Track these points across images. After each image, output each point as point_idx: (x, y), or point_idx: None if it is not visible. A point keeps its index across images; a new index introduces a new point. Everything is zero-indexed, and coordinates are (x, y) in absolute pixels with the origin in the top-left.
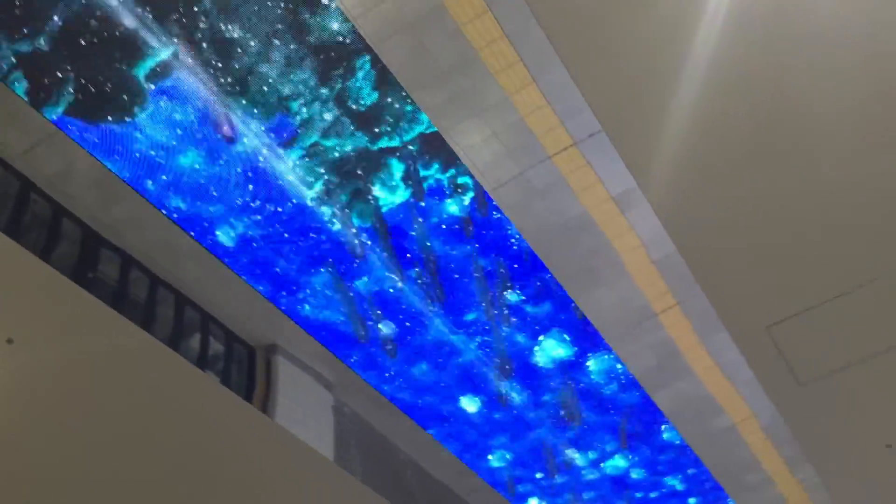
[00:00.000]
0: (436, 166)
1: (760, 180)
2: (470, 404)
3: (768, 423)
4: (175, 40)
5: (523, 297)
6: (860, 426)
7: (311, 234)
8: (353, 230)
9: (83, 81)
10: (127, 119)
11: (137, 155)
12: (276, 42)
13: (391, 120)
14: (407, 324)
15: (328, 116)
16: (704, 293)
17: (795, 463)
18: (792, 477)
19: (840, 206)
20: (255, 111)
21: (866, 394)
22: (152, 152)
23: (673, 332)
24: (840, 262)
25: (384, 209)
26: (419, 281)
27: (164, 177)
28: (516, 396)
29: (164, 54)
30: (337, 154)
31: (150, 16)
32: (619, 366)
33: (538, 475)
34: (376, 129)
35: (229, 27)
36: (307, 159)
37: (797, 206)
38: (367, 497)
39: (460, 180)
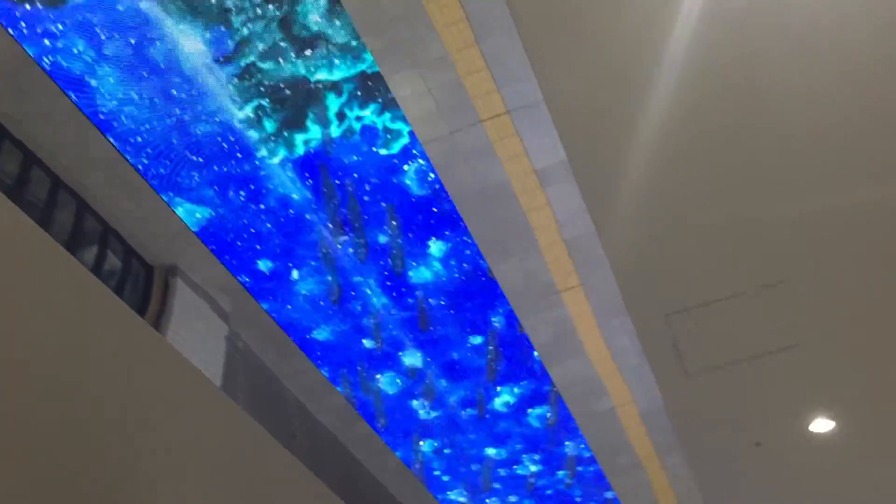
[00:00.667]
0: (373, 107)
1: (684, 176)
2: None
3: (645, 410)
4: None
5: (445, 246)
6: (734, 422)
7: (233, 157)
8: (279, 159)
9: None
10: (58, 5)
11: (61, 45)
12: None
13: (334, 53)
14: (312, 263)
15: (270, 39)
16: (614, 274)
17: (664, 451)
18: (659, 464)
19: (757, 208)
20: (194, 19)
21: (745, 392)
22: (79, 47)
23: (573, 311)
24: (749, 263)
25: (313, 143)
26: (336, 220)
27: (90, 80)
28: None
29: None
30: (273, 79)
31: None
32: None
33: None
34: (317, 60)
35: None
36: (241, 79)
37: (716, 204)
38: (251, 427)
39: (395, 126)
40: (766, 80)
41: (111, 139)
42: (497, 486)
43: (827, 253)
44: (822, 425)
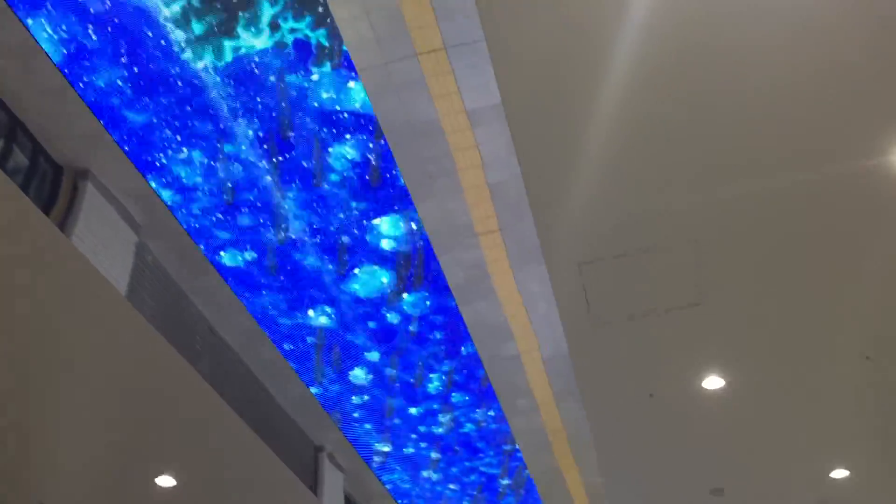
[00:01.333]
0: (308, 20)
1: (617, 133)
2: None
3: (549, 356)
4: None
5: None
6: (631, 373)
7: (156, 57)
8: (203, 64)
9: None
10: None
11: None
12: None
13: None
14: (231, 180)
15: None
16: (534, 221)
17: (561, 397)
18: (556, 409)
19: (677, 167)
20: None
21: (645, 345)
22: None
23: (488, 255)
24: (665, 220)
25: (242, 51)
26: (258, 134)
27: None
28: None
29: None
30: None
31: None
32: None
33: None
34: None
35: None
36: None
37: (643, 161)
38: (154, 339)
39: (327, 43)
40: (724, 40)
41: (28, 27)
42: (397, 421)
43: (737, 218)
44: (713, 382)
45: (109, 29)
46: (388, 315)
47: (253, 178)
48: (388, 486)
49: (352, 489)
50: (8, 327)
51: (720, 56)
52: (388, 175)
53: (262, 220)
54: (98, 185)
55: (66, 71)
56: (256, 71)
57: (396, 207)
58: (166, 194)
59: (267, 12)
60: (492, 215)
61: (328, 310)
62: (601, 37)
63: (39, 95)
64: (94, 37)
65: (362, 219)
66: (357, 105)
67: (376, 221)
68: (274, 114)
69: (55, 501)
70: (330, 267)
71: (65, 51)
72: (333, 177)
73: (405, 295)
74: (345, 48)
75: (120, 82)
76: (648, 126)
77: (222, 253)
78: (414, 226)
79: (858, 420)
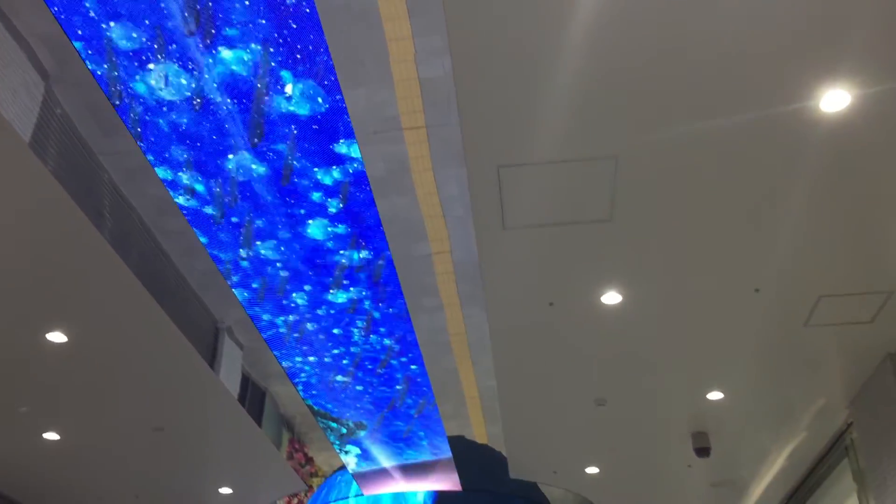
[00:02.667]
0: None
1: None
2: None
3: (459, 260)
4: None
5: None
6: (534, 281)
7: None
8: None
9: None
10: None
11: None
12: None
13: None
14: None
15: None
16: (460, 116)
17: (466, 300)
18: (460, 312)
19: (610, 89)
20: None
21: (551, 254)
22: None
23: (411, 151)
24: (588, 132)
25: None
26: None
27: None
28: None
29: None
30: None
31: None
32: None
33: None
34: None
35: None
36: None
37: (577, 72)
38: (56, 191)
39: None
40: None
41: None
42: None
43: (659, 148)
44: (611, 298)
45: None
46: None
47: (174, 36)
48: (285, 366)
49: (250, 368)
50: None
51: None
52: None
53: (181, 82)
54: (6, 23)
55: None
56: None
57: (326, 83)
58: (79, 45)
59: None
60: (419, 111)
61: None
62: None
63: None
64: None
65: (278, 82)
66: None
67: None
68: None
69: None
70: (244, 136)
71: None
72: (255, 46)
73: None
74: None
75: None
76: (588, 45)
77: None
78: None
79: (739, 348)
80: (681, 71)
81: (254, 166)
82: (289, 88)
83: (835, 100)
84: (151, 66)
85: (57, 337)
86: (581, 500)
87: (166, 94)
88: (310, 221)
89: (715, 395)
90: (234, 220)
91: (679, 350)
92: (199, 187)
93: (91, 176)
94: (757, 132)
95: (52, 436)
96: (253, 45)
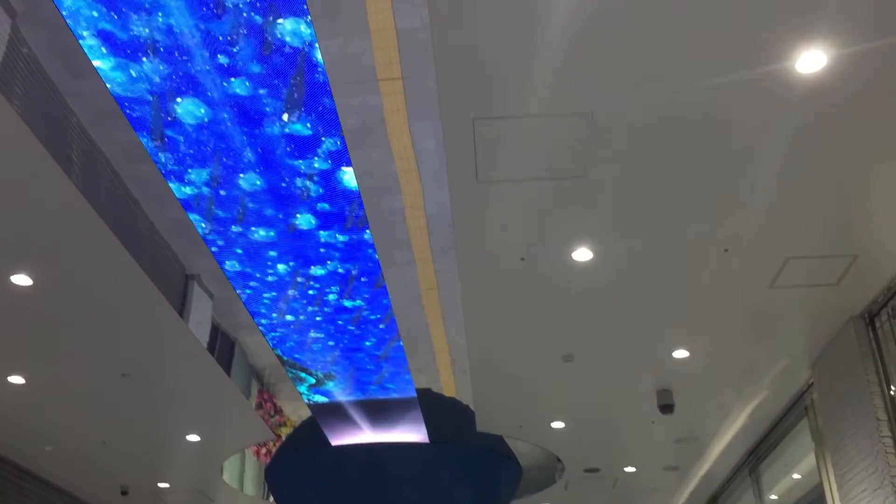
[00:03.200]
0: None
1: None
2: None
3: (432, 214)
4: None
5: None
6: (506, 235)
7: None
8: None
9: None
10: None
11: None
12: None
13: None
14: None
15: None
16: (436, 65)
17: (438, 255)
18: (432, 267)
19: (588, 46)
20: None
21: (524, 209)
22: None
23: (387, 103)
24: (566, 87)
25: None
26: None
27: None
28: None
29: None
30: None
31: None
32: None
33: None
34: None
35: None
36: None
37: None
38: (23, 133)
39: None
40: None
41: None
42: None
43: (635, 108)
44: (582, 254)
45: None
46: (272, 130)
47: None
48: (256, 318)
49: (220, 318)
50: None
51: None
52: None
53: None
54: None
55: None
56: None
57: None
58: None
59: None
60: (396, 62)
61: (206, 118)
62: None
63: None
64: None
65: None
66: None
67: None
68: None
69: None
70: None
71: None
72: None
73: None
74: None
75: None
76: (567, 1)
77: (104, 57)
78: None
79: (706, 307)
80: (658, 31)
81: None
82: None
83: (811, 61)
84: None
85: (21, 280)
86: (546, 454)
87: (136, 29)
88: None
89: (681, 354)
90: (205, 169)
91: (647, 308)
92: (170, 132)
93: (59, 119)
94: (733, 93)
95: (16, 379)
96: None
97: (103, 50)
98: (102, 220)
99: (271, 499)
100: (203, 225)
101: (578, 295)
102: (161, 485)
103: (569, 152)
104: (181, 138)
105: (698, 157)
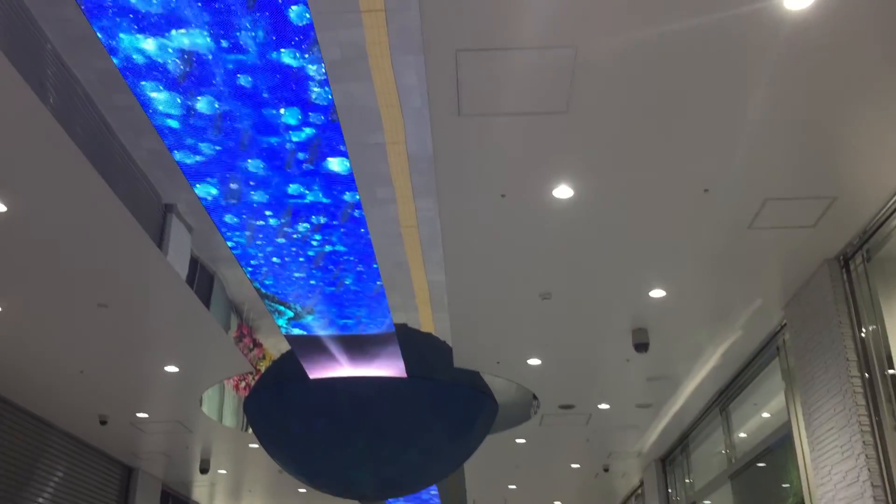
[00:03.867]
0: None
1: None
2: None
3: (414, 152)
4: None
5: None
6: (488, 170)
7: None
8: None
9: None
10: None
11: None
12: None
13: None
14: None
15: None
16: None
17: (419, 193)
18: (412, 205)
19: None
20: None
21: (505, 144)
22: None
23: (369, 35)
24: (553, 23)
25: None
26: None
27: None
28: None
29: None
30: None
31: None
32: None
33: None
34: None
35: None
36: None
37: None
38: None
39: None
40: None
41: None
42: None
43: (621, 44)
44: (563, 192)
45: None
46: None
47: None
48: (235, 251)
49: (199, 251)
50: None
51: None
52: None
53: None
54: None
55: None
56: None
57: None
58: None
59: None
60: None
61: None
62: None
63: None
64: None
65: None
66: None
67: None
68: None
69: None
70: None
71: None
72: None
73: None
74: None
75: None
76: None
77: None
78: None
79: (684, 247)
80: None
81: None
82: None
83: None
84: None
85: None
86: (522, 391)
87: None
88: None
89: (657, 293)
90: (185, 96)
91: (626, 247)
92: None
93: (33, 44)
94: (719, 30)
95: None
96: None
97: None
98: (78, 148)
99: (250, 431)
100: (181, 153)
101: (558, 233)
102: (140, 415)
103: (552, 87)
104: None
105: (681, 96)
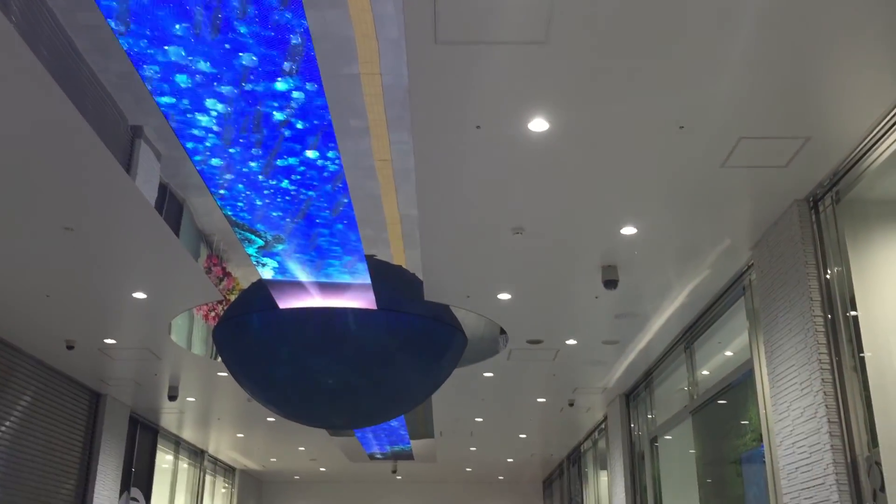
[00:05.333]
0: None
1: None
2: None
3: (389, 84)
4: None
5: None
6: (463, 100)
7: None
8: None
9: None
10: None
11: None
12: None
13: None
14: None
15: None
16: None
17: (393, 125)
18: (387, 137)
19: None
20: None
21: (483, 73)
22: None
23: None
24: None
25: None
26: None
27: None
28: None
29: None
30: None
31: None
32: None
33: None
34: None
35: None
36: None
37: None
38: None
39: None
40: None
41: None
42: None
43: None
44: (538, 125)
45: None
46: None
47: None
48: (204, 178)
49: (168, 177)
50: None
51: None
52: None
53: None
54: None
55: None
56: None
57: None
58: None
59: None
60: None
61: None
62: None
63: None
64: None
65: None
66: None
67: None
68: None
69: None
70: None
71: None
72: None
73: None
74: None
75: None
76: None
77: None
78: None
79: (657, 185)
80: None
81: None
82: None
83: None
84: None
85: None
86: (491, 325)
87: None
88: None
89: (628, 230)
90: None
91: (599, 183)
92: None
93: None
94: None
95: None
96: None
97: None
98: (44, 66)
99: (219, 359)
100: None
101: (532, 166)
102: (107, 341)
103: (531, 15)
104: None
105: (661, 29)
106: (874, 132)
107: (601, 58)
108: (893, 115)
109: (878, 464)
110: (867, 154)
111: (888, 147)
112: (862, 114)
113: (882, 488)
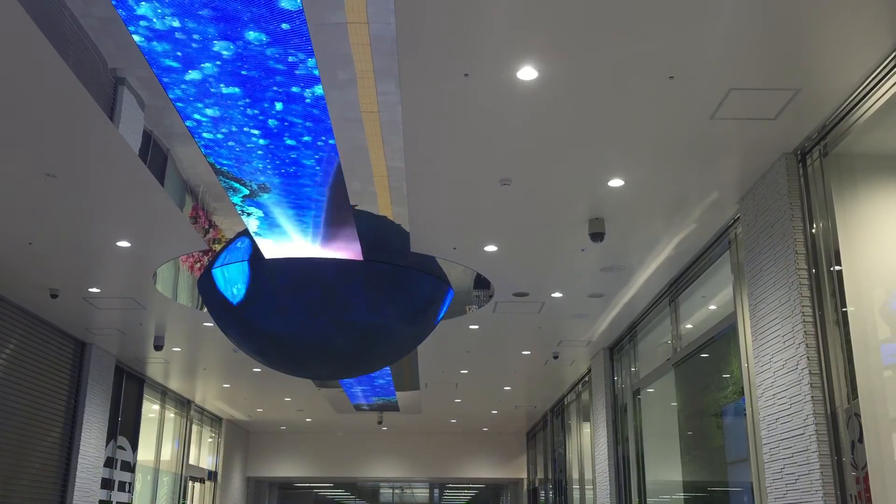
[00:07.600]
0: None
1: None
2: None
3: (376, 34)
4: None
5: None
6: (452, 47)
7: None
8: None
9: None
10: None
11: None
12: None
13: None
14: None
15: None
16: None
17: (381, 75)
18: (374, 88)
19: None
20: None
21: (471, 23)
22: None
23: None
24: None
25: None
26: None
27: None
28: None
29: None
30: None
31: None
32: None
33: None
34: None
35: None
36: None
37: None
38: None
39: None
40: None
41: None
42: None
43: None
44: (527, 73)
45: None
46: None
47: None
48: (189, 126)
49: (152, 126)
50: None
51: None
52: None
53: None
54: None
55: None
56: None
57: None
58: None
59: None
60: None
61: None
62: None
63: None
64: None
65: None
66: None
67: None
68: None
69: None
70: None
71: None
72: None
73: None
74: None
75: None
76: None
77: None
78: None
79: (646, 136)
80: None
81: None
82: None
83: None
84: None
85: None
86: (477, 276)
87: None
88: None
89: (616, 183)
90: None
91: (588, 134)
92: None
93: None
94: None
95: None
96: None
97: None
98: (24, 9)
99: (205, 309)
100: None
101: (520, 116)
102: (92, 290)
103: None
104: None
105: None
106: (863, 85)
107: (591, 5)
108: (883, 68)
109: (858, 415)
110: (855, 108)
111: (877, 101)
112: (852, 66)
113: (860, 439)
